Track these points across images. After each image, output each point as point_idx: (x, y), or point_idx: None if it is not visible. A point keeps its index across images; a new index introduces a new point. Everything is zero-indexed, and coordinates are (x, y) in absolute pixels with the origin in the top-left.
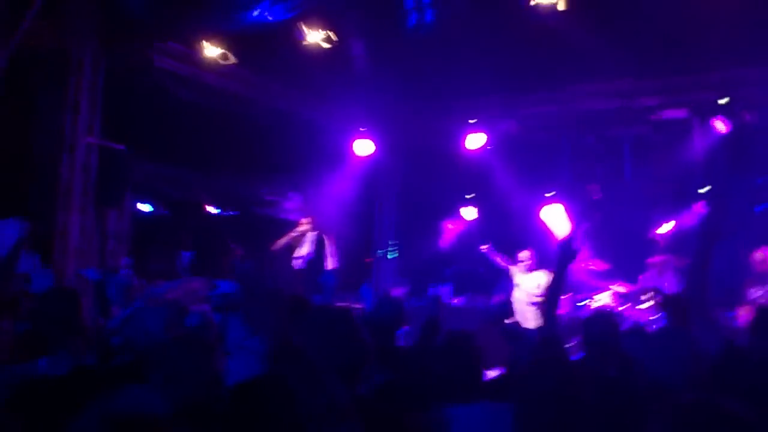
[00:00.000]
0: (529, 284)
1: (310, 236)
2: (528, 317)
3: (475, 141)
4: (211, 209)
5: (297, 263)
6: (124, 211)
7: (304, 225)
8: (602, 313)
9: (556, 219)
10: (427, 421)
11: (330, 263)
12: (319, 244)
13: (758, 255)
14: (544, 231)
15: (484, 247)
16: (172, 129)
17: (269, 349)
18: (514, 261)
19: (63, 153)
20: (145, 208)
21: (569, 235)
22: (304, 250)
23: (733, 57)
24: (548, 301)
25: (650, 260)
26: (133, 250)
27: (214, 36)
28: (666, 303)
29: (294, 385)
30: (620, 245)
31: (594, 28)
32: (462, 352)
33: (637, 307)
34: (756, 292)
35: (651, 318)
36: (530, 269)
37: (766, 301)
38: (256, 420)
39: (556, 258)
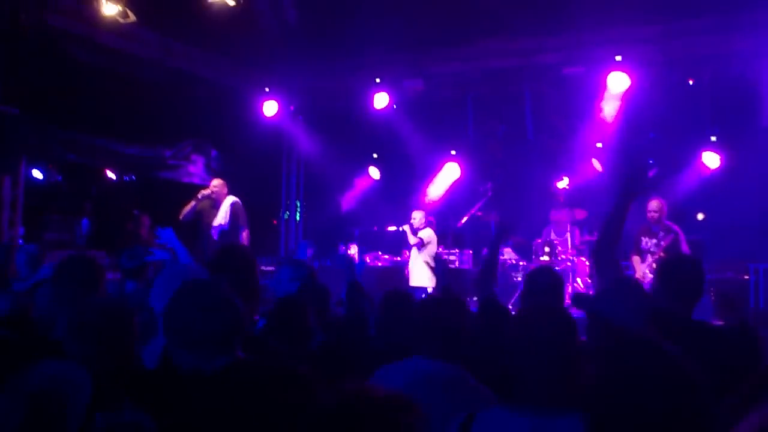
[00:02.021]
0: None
1: (227, 203)
2: (420, 276)
3: (381, 100)
4: (111, 174)
5: (213, 232)
6: (18, 177)
7: (215, 187)
8: (545, 267)
9: (446, 178)
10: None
11: (245, 234)
12: (232, 211)
13: (654, 203)
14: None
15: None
16: (67, 91)
17: None
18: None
19: None
20: (37, 174)
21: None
22: (219, 218)
23: (629, 15)
24: (485, 271)
25: (551, 215)
26: (28, 219)
27: None
28: None
29: None
30: (523, 201)
31: None
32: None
33: (538, 259)
34: (648, 242)
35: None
36: (418, 229)
37: (659, 251)
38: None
39: (493, 234)
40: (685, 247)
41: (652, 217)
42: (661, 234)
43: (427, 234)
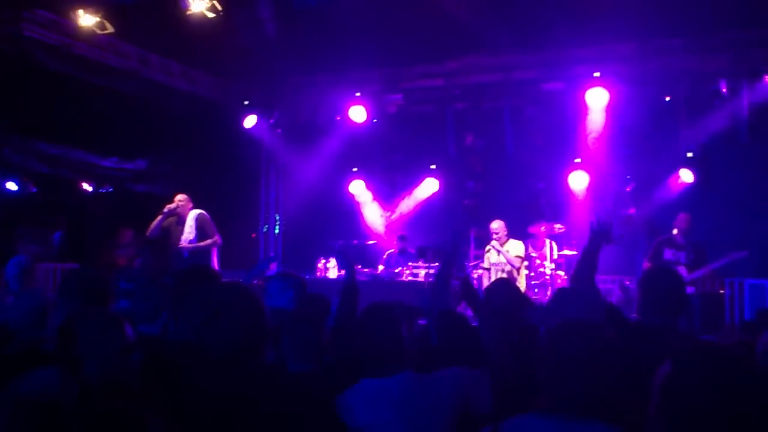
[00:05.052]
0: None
1: (191, 217)
2: None
3: (360, 114)
4: (87, 187)
5: (183, 249)
6: None
7: (180, 202)
8: (504, 281)
9: (423, 192)
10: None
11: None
12: (198, 225)
13: (683, 217)
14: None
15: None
16: (43, 102)
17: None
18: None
19: None
20: (11, 186)
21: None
22: (186, 234)
23: (608, 32)
24: (441, 279)
25: (530, 228)
26: (1, 231)
27: (89, 4)
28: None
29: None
30: (502, 215)
31: (477, 2)
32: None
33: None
34: (677, 254)
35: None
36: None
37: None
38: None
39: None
40: None
41: (680, 229)
42: (690, 248)
43: (518, 246)
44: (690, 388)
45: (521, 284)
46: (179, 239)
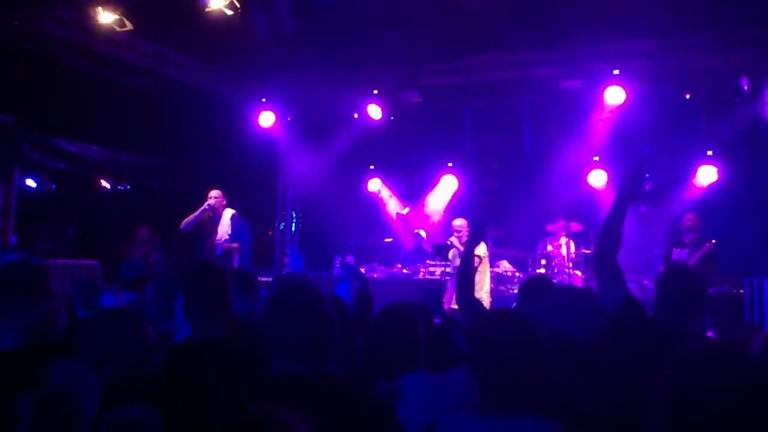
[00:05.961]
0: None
1: (227, 215)
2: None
3: (376, 112)
4: (105, 183)
5: (219, 245)
6: (12, 186)
7: (216, 198)
8: (541, 277)
9: (445, 190)
10: (385, 392)
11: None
12: (233, 224)
13: (688, 216)
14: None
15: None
16: (62, 99)
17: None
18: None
19: None
20: (30, 183)
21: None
22: (222, 232)
23: (627, 29)
24: (461, 274)
25: (548, 227)
26: (20, 228)
27: (109, 1)
28: None
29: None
30: (520, 213)
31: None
32: (400, 324)
33: (534, 272)
34: (680, 253)
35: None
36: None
37: (690, 261)
38: (191, 384)
39: (468, 235)
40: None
41: (686, 228)
42: (695, 246)
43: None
44: (685, 390)
45: (483, 284)
46: (212, 234)
